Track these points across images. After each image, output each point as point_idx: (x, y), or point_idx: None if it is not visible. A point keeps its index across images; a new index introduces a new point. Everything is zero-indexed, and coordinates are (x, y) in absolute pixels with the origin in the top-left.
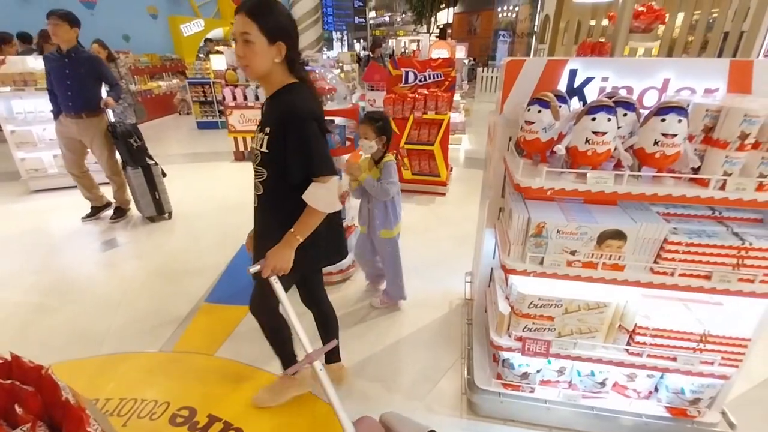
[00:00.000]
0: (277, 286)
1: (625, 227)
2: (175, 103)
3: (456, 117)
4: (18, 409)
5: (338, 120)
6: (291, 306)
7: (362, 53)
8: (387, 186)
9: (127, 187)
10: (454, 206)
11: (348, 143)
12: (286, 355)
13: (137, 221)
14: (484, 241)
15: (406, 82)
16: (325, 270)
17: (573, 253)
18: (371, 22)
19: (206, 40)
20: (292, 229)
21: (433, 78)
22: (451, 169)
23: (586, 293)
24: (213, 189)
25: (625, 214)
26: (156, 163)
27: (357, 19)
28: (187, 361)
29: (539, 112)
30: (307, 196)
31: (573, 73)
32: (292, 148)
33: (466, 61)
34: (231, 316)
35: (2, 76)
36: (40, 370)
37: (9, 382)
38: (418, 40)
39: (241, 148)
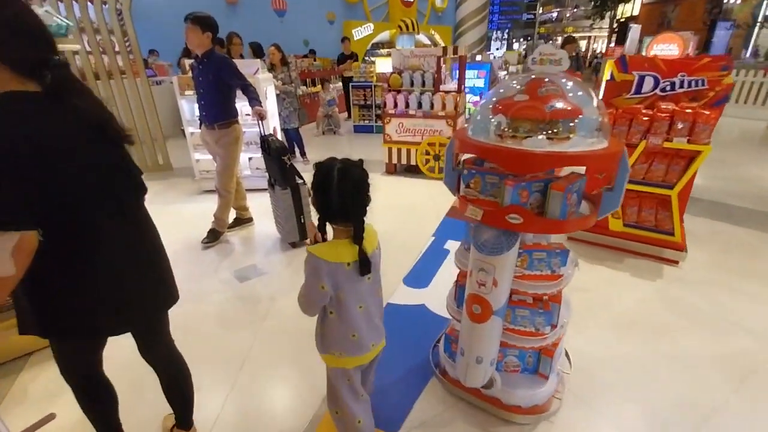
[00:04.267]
0: None
1: None
2: (318, 117)
3: None
4: None
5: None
6: None
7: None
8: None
9: (229, 209)
10: (699, 288)
11: (584, 210)
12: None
13: (277, 244)
14: None
15: (638, 91)
16: (509, 401)
17: None
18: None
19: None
20: None
21: (688, 86)
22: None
23: None
24: None
25: None
26: (304, 182)
27: (526, 16)
28: None
29: None
30: None
31: None
32: None
33: None
34: None
35: (189, 79)
36: None
37: None
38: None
39: (394, 161)
